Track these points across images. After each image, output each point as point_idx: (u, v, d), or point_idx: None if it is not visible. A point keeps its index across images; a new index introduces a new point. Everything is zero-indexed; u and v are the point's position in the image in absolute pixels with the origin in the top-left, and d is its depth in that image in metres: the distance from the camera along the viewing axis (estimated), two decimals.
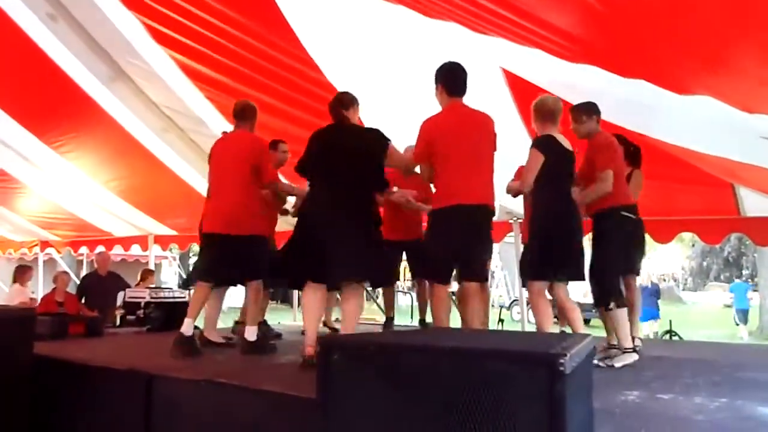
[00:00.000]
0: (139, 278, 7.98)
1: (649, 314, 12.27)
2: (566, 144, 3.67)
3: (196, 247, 8.34)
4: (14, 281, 8.02)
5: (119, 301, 7.30)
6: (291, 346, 4.62)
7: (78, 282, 13.95)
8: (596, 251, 3.82)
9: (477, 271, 3.63)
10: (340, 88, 4.92)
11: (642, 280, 16.31)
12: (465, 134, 3.50)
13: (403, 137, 5.35)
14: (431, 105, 3.68)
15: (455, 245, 3.48)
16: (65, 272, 8.46)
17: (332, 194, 3.43)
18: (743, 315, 14.83)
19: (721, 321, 17.48)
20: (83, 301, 7.39)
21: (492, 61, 4.14)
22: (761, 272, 15.93)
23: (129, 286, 7.45)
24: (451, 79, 3.60)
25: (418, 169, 3.94)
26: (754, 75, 2.95)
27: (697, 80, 3.20)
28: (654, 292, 13.52)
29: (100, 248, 10.03)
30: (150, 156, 6.69)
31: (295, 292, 8.23)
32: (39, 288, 10.76)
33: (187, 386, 3.03)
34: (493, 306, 11.40)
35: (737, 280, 19.38)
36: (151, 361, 3.59)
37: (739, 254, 30.44)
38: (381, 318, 6.74)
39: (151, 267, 9.18)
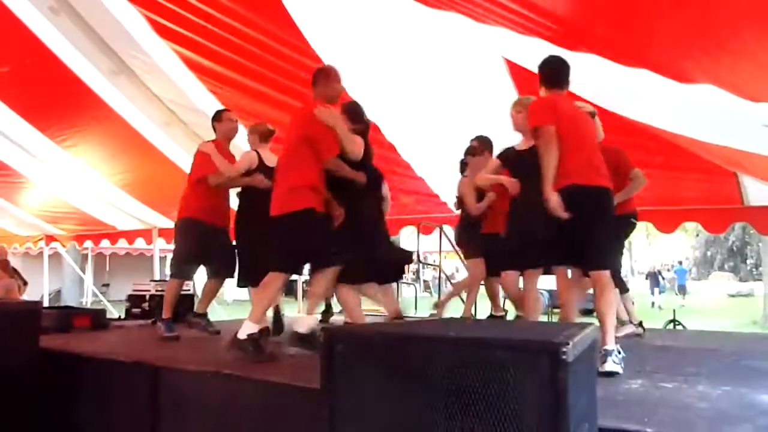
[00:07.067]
0: None
1: None
2: None
3: None
4: None
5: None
6: None
7: (81, 275, 14.01)
8: None
9: None
10: (343, 80, 4.92)
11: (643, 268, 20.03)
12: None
13: (404, 128, 5.36)
14: (433, 95, 3.68)
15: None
16: None
17: None
18: (682, 288, 21.80)
19: (725, 310, 17.48)
20: None
21: (494, 51, 4.12)
22: (766, 261, 15.93)
23: None
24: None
25: None
26: (758, 64, 2.93)
27: (700, 69, 3.18)
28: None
29: (105, 242, 10.04)
30: (153, 149, 6.69)
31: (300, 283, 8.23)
32: (45, 282, 10.83)
33: (193, 378, 3.06)
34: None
35: (679, 265, 27.05)
36: (157, 353, 3.62)
37: (743, 243, 30.32)
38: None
39: (156, 260, 9.19)
